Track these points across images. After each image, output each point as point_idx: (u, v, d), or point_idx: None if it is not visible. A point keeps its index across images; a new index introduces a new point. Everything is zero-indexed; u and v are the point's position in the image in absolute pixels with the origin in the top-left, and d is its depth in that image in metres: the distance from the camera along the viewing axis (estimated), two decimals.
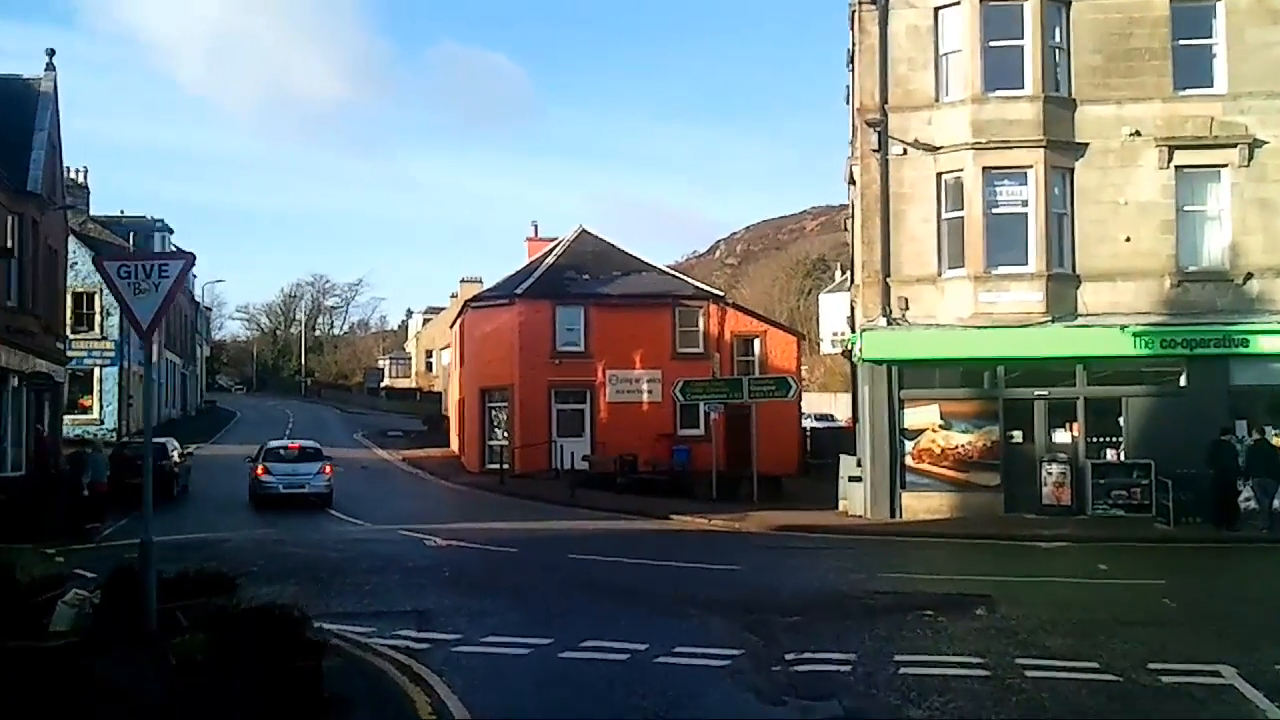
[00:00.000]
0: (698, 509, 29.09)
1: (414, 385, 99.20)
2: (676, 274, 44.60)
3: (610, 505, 30.71)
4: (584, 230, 47.03)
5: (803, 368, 52.60)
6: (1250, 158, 26.12)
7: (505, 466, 39.08)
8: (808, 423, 52.52)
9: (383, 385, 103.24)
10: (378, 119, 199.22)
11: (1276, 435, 25.94)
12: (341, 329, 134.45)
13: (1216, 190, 26.56)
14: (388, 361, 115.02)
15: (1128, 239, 26.34)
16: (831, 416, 65.62)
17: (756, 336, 44.21)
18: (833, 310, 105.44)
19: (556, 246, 46.48)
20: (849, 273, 32.53)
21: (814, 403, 70.83)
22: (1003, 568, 18.61)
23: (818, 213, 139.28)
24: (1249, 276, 26.06)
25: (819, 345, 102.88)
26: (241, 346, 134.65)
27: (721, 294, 44.05)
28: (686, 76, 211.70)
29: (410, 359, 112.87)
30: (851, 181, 30.63)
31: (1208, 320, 26.02)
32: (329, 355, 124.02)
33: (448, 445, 53.43)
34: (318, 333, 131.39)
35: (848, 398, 70.31)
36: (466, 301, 44.81)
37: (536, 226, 51.23)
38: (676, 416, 41.98)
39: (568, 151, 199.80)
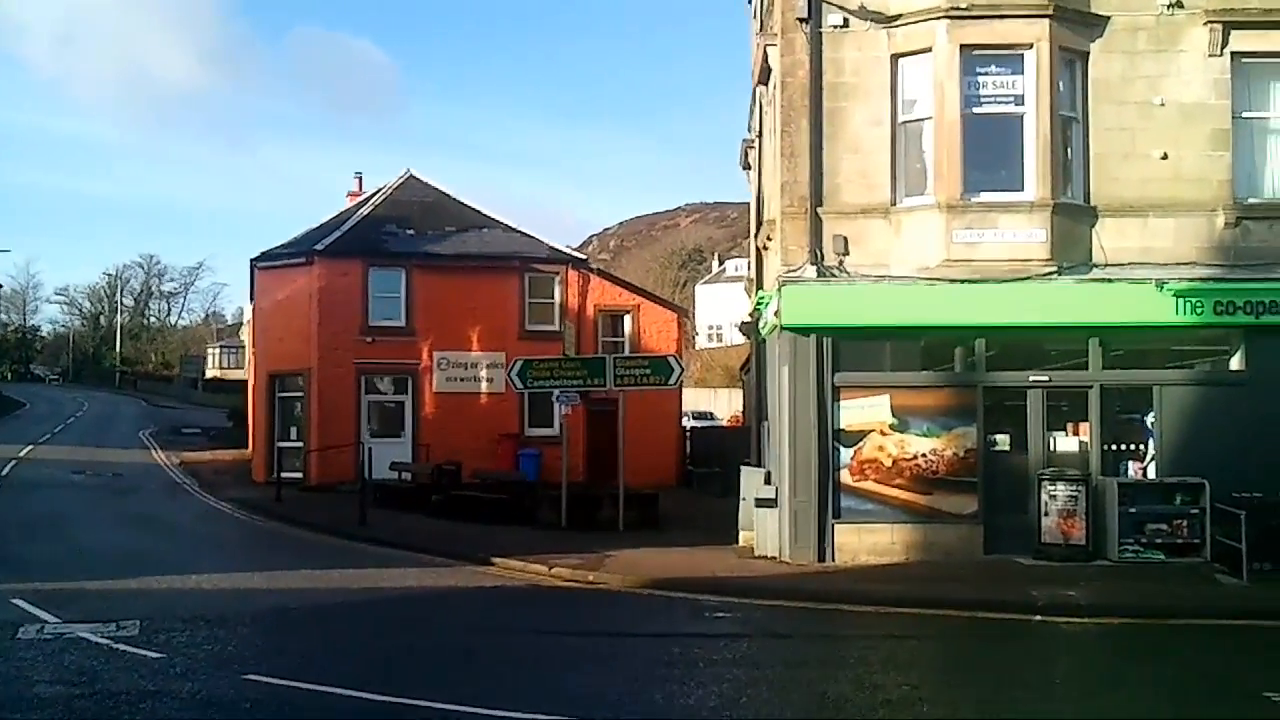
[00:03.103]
0: (538, 544, 19.96)
1: (246, 376, 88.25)
2: (528, 233, 35.13)
3: (412, 538, 21.33)
4: (412, 176, 37.21)
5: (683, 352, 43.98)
6: None
7: (284, 476, 29.38)
8: (687, 422, 43.86)
9: (208, 376, 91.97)
10: (238, 105, 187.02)
11: None
12: (180, 317, 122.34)
13: None
14: (217, 350, 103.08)
15: (1164, 156, 18.06)
16: (711, 415, 57.31)
17: (628, 312, 35.02)
18: (710, 302, 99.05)
19: (376, 195, 36.64)
20: (759, 208, 23.55)
21: (691, 399, 62.76)
22: (1078, 689, 9.82)
23: (692, 209, 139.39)
24: None
25: (695, 339, 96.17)
26: (61, 333, 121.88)
27: (584, 258, 34.77)
28: (557, 74, 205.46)
29: (244, 347, 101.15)
30: (763, 80, 21.79)
31: (1278, 275, 17.88)
32: (149, 343, 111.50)
33: (248, 445, 43.14)
34: (152, 320, 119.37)
35: (729, 394, 62.67)
36: (253, 260, 34.78)
37: (360, 178, 41.41)
38: (524, 411, 32.83)
39: (436, 145, 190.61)
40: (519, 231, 35.10)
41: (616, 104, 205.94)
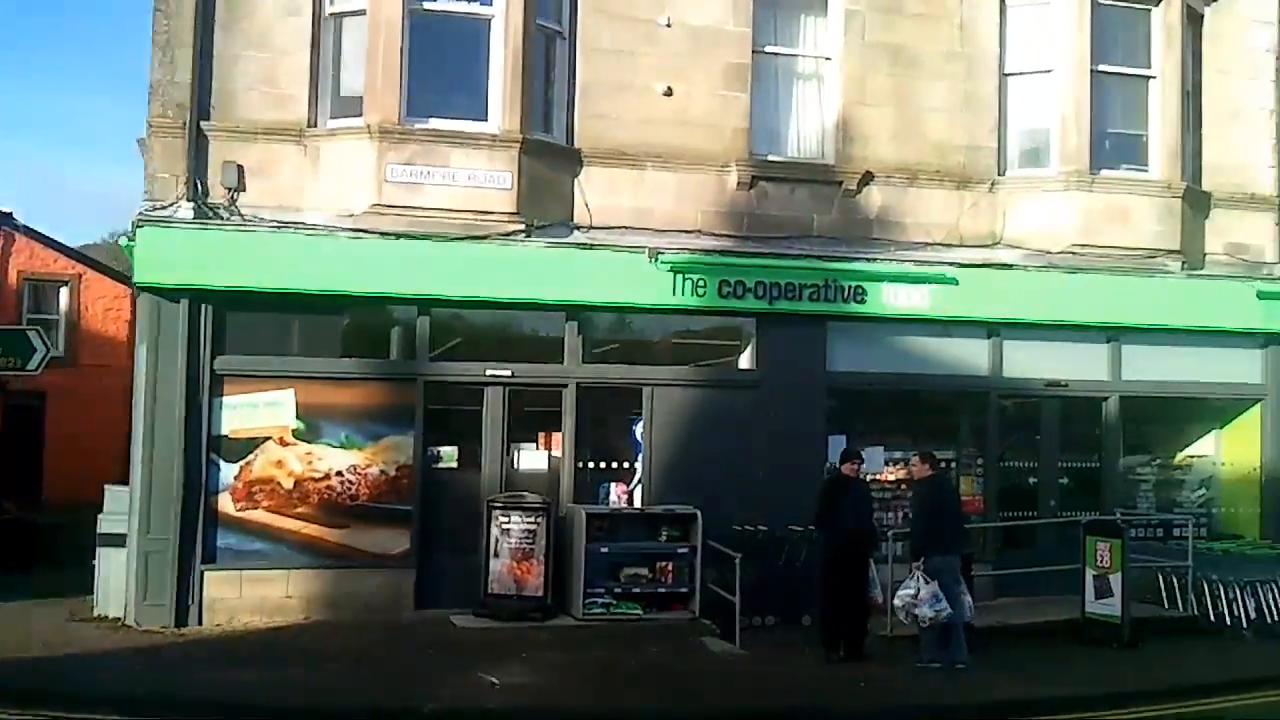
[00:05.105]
0: None
1: None
2: None
3: None
4: None
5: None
6: None
7: None
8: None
9: None
10: None
11: (897, 466, 14.93)
12: None
13: (819, 25, 14.94)
14: None
15: (669, 92, 14.03)
16: None
17: (65, 282, 27.66)
18: None
19: None
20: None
21: None
22: None
23: None
24: (867, 179, 14.57)
25: None
26: None
27: (9, 211, 27.14)
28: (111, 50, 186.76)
29: None
30: None
31: (798, 251, 14.28)
32: None
33: None
34: None
35: None
36: None
37: None
38: None
39: None
40: None
41: None
